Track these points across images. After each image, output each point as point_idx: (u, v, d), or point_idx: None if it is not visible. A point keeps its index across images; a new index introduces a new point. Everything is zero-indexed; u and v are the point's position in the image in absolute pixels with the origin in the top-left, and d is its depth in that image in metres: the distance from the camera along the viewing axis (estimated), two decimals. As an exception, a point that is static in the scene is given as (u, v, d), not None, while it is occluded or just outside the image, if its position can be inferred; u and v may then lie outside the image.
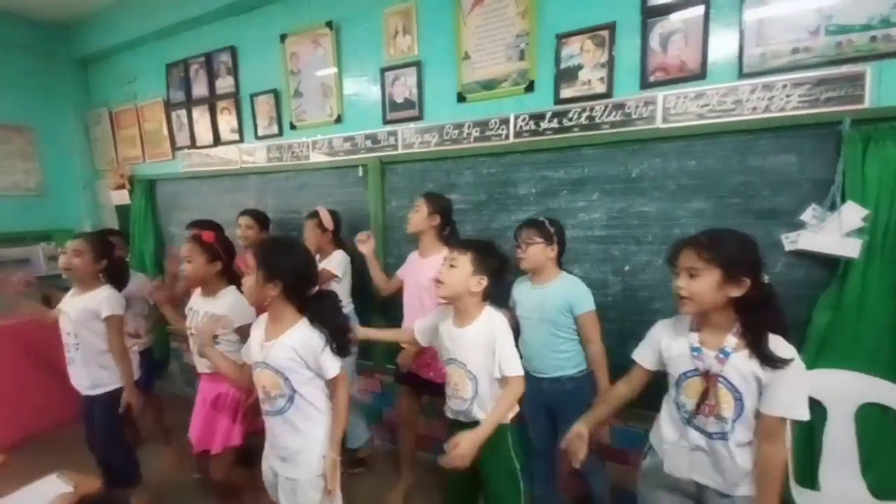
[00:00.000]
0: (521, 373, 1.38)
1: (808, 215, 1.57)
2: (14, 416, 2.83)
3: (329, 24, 2.47)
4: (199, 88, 3.06)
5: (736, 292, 1.10)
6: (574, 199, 1.99)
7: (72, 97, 3.64)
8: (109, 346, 1.94)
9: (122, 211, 3.59)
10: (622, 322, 1.89)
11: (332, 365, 1.36)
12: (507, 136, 2.09)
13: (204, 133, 3.10)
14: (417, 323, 1.61)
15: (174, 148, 3.29)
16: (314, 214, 2.33)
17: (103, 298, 1.92)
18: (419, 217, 1.98)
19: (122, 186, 3.52)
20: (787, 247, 1.61)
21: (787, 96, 1.59)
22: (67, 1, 3.14)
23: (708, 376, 1.15)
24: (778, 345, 1.10)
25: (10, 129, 3.36)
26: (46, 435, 2.87)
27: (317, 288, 1.41)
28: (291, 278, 1.33)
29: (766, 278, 1.13)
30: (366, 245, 2.19)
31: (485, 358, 1.39)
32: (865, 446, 1.51)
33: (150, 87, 3.30)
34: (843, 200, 1.50)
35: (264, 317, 1.43)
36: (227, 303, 1.73)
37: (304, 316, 1.37)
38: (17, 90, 3.37)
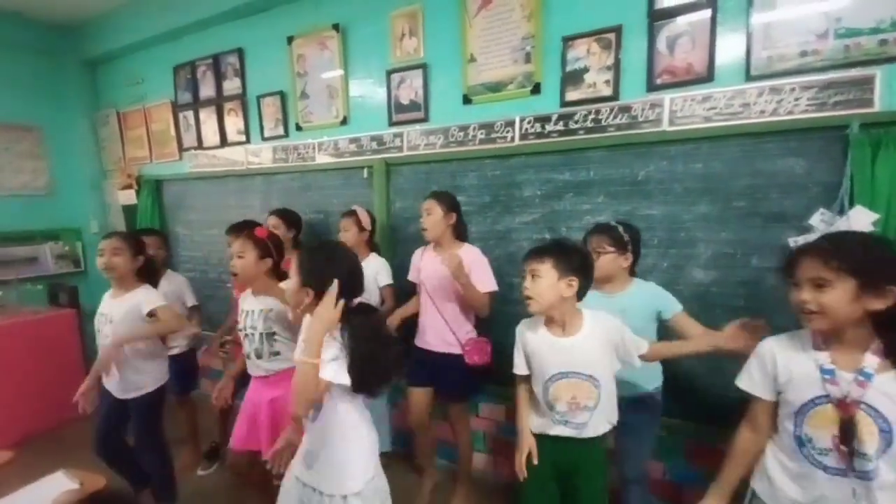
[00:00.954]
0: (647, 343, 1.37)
1: (816, 219, 1.56)
2: (19, 414, 2.85)
3: (335, 27, 2.48)
4: (207, 90, 3.08)
5: (879, 304, 0.93)
6: (579, 201, 1.98)
7: (80, 98, 3.68)
8: (148, 331, 1.89)
9: (129, 211, 3.61)
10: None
11: (327, 370, 1.15)
12: (512, 139, 2.09)
13: (211, 134, 3.12)
14: (517, 365, 1.45)
15: (181, 149, 3.31)
16: (350, 213, 2.26)
17: (143, 298, 1.90)
18: (435, 220, 1.94)
19: (129, 186, 3.55)
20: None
21: (795, 99, 1.58)
22: (76, 3, 3.17)
23: (844, 404, 0.96)
24: None
25: (18, 130, 3.40)
26: (51, 433, 2.89)
27: (357, 301, 1.28)
28: (326, 287, 1.20)
29: None
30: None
31: (607, 360, 1.34)
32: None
33: (158, 88, 3.33)
34: (852, 204, 1.49)
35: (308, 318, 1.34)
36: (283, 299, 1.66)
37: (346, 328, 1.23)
38: (25, 91, 3.41)
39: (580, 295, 1.34)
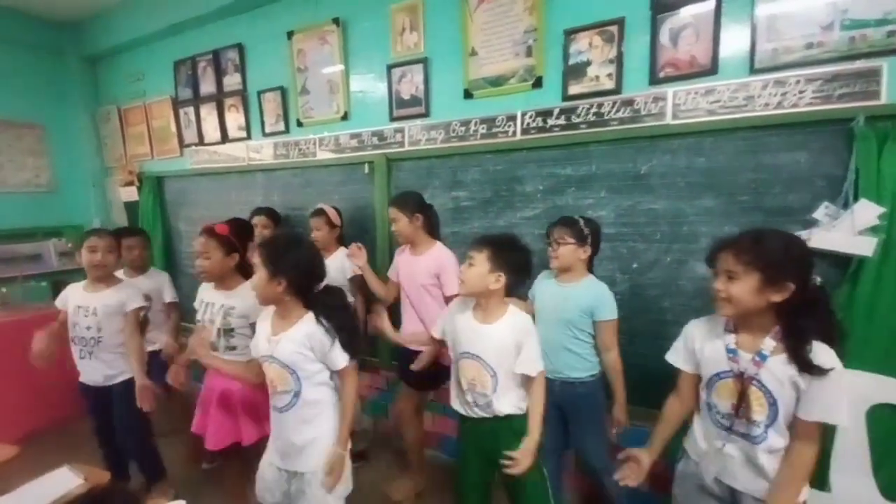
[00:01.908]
0: (543, 368, 1.41)
1: (820, 213, 1.55)
2: (24, 410, 2.87)
3: (336, 21, 2.47)
4: (207, 86, 3.07)
5: (777, 297, 1.06)
6: (581, 196, 1.97)
7: (81, 94, 3.67)
8: (127, 337, 1.97)
9: (131, 207, 3.62)
10: (630, 320, 1.87)
11: (341, 357, 1.36)
12: (514, 133, 2.08)
13: (211, 130, 3.12)
14: (438, 320, 1.59)
15: (182, 145, 3.31)
16: (320, 212, 2.33)
17: (130, 293, 1.99)
18: (402, 226, 1.96)
19: (130, 183, 3.55)
20: (799, 245, 1.58)
21: (800, 92, 1.57)
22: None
23: (742, 378, 1.12)
24: (819, 351, 1.05)
25: (20, 127, 3.40)
26: (56, 428, 2.91)
27: (324, 284, 1.41)
28: (297, 274, 1.33)
29: (817, 280, 1.08)
30: (359, 258, 2.14)
31: (507, 356, 1.39)
32: (876, 447, 1.49)
33: (159, 84, 3.32)
34: (856, 198, 1.48)
35: (270, 310, 1.44)
36: (246, 297, 1.66)
37: (311, 310, 1.37)
38: (27, 88, 3.41)
39: (509, 291, 1.41)
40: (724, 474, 1.18)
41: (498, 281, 1.37)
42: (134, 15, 3.20)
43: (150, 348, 2.39)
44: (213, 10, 2.82)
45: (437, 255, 1.98)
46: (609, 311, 1.65)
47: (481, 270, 1.36)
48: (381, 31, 2.36)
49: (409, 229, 1.97)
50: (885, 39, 1.46)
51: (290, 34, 2.64)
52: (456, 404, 1.50)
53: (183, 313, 2.61)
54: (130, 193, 3.57)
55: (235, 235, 1.76)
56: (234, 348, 1.70)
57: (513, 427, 1.41)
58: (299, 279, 1.34)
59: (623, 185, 1.89)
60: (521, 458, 1.34)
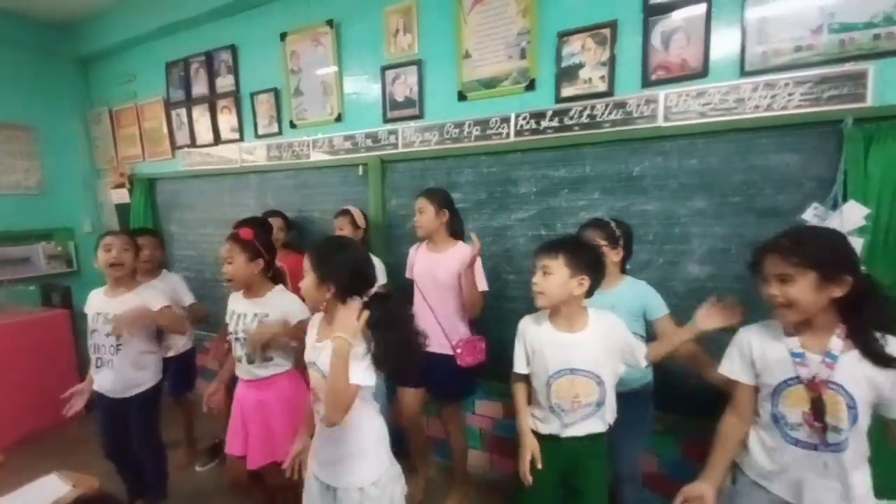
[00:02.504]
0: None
1: (809, 214, 1.56)
2: (12, 416, 2.82)
3: (329, 23, 2.47)
4: (200, 87, 3.05)
5: (838, 292, 1.01)
6: (575, 197, 1.98)
7: (72, 96, 3.64)
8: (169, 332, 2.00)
9: (122, 210, 3.58)
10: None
11: (361, 374, 1.18)
12: (507, 135, 2.08)
13: (204, 132, 3.10)
14: (518, 360, 1.44)
15: (174, 147, 3.29)
16: (344, 212, 2.27)
17: (151, 295, 1.90)
18: (427, 218, 1.93)
19: (121, 185, 3.52)
20: (789, 246, 1.60)
21: (790, 95, 1.59)
22: (68, 0, 3.13)
23: (814, 384, 1.05)
24: (891, 343, 1.01)
25: (10, 128, 3.35)
26: (45, 434, 2.86)
27: (375, 289, 1.32)
28: (346, 279, 1.25)
29: (864, 269, 1.05)
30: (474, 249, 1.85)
31: (610, 359, 1.34)
32: (873, 447, 1.50)
33: (150, 85, 3.30)
34: (845, 199, 1.50)
35: (319, 316, 1.37)
36: (280, 303, 1.66)
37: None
38: (17, 89, 3.36)
39: (589, 293, 1.34)
40: (799, 491, 1.08)
41: (581, 285, 1.30)
42: (126, 16, 3.18)
43: (168, 354, 2.35)
44: (205, 11, 2.81)
45: (462, 253, 1.91)
46: (661, 305, 1.58)
47: (561, 277, 1.29)
48: (375, 32, 2.36)
49: (433, 223, 1.93)
50: (872, 42, 1.48)
51: (283, 35, 2.63)
52: (542, 426, 1.40)
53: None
54: (121, 195, 3.54)
55: (262, 241, 1.70)
56: (271, 359, 1.66)
57: (596, 447, 1.38)
58: (348, 284, 1.26)
59: (616, 186, 1.90)
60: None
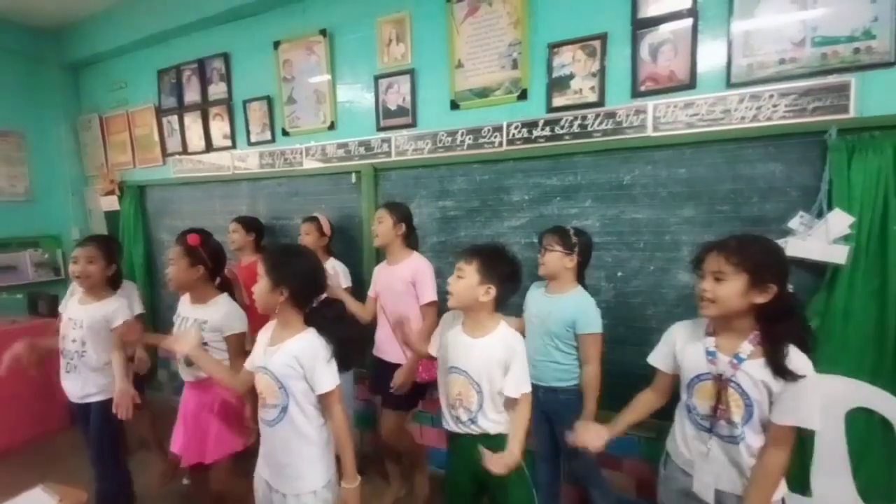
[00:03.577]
0: (530, 389, 1.37)
1: (795, 222, 1.60)
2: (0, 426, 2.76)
3: (323, 32, 2.48)
4: (192, 94, 3.05)
5: (761, 299, 1.09)
6: (567, 205, 2.00)
7: (62, 102, 3.60)
8: (112, 350, 1.85)
9: (112, 217, 3.54)
10: (615, 328, 1.90)
11: (328, 379, 1.29)
12: (500, 144, 2.10)
13: (196, 139, 3.08)
14: (434, 337, 1.56)
15: (165, 154, 3.27)
16: (312, 219, 2.33)
17: (118, 308, 1.87)
18: (385, 228, 1.97)
19: (111, 192, 3.48)
20: (776, 253, 1.63)
21: (774, 106, 1.62)
22: (59, 6, 3.11)
23: (720, 380, 1.15)
24: (795, 357, 1.08)
25: (-2, 134, 3.31)
26: (32, 445, 2.80)
27: (324, 295, 1.38)
28: (299, 284, 1.30)
29: (790, 288, 1.12)
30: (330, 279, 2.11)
31: (494, 373, 1.36)
32: (854, 450, 1.53)
33: (142, 92, 3.28)
34: (830, 208, 1.53)
35: (273, 323, 1.41)
36: (221, 311, 1.70)
37: (311, 324, 1.34)
38: (6, 95, 3.32)
39: (497, 303, 1.38)
40: (708, 475, 1.19)
41: (488, 293, 1.34)
42: (117, 23, 3.17)
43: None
44: (198, 19, 2.80)
45: (414, 263, 1.99)
46: (591, 324, 1.65)
47: (471, 282, 1.33)
48: (368, 42, 2.38)
49: (389, 233, 1.97)
50: (854, 55, 1.52)
51: (276, 44, 2.64)
52: (444, 420, 1.47)
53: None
54: (111, 203, 3.50)
55: (208, 250, 1.74)
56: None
57: (500, 446, 1.36)
58: (301, 289, 1.32)
59: (607, 195, 1.92)
60: (494, 463, 1.27)
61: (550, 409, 1.73)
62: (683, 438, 1.26)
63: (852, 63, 1.52)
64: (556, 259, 1.67)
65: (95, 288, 1.88)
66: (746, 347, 1.13)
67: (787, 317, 1.11)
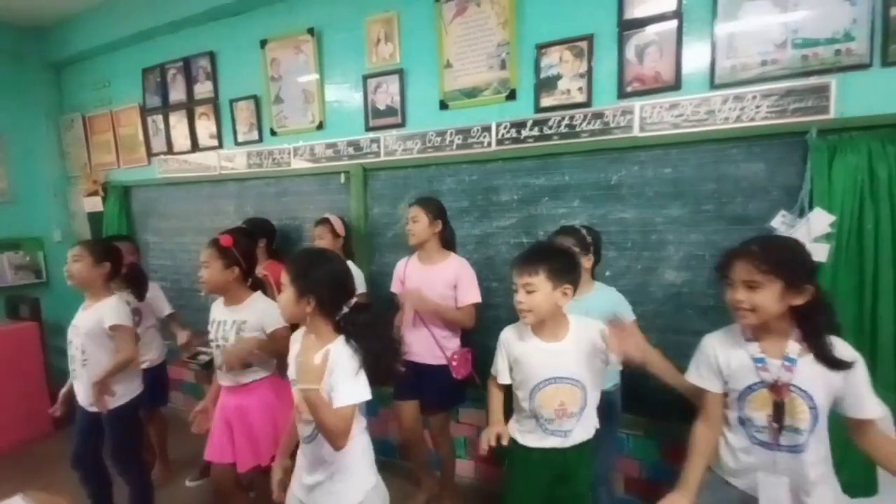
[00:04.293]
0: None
1: (777, 221, 1.63)
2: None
3: (311, 31, 2.46)
4: (177, 93, 3.00)
5: (799, 300, 1.06)
6: (555, 205, 2.01)
7: (44, 101, 3.53)
8: (113, 352, 1.81)
9: (95, 218, 3.47)
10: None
11: (349, 392, 1.14)
12: (489, 144, 2.11)
13: (181, 139, 3.04)
14: (500, 372, 1.44)
15: (150, 154, 3.22)
16: (324, 221, 2.27)
17: (108, 308, 1.81)
18: (421, 227, 1.89)
19: (94, 193, 3.42)
20: (760, 252, 1.66)
21: (757, 107, 1.65)
22: (41, 4, 3.05)
23: (776, 387, 1.08)
24: (839, 346, 1.06)
25: (-25, 134, 3.23)
26: (12, 452, 2.73)
27: (354, 301, 1.27)
28: (327, 292, 1.21)
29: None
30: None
31: (592, 364, 1.33)
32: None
33: (126, 91, 3.23)
34: (811, 207, 1.56)
35: (301, 332, 1.32)
36: (259, 309, 1.66)
37: (341, 332, 1.23)
38: (-16, 94, 3.26)
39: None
40: (775, 489, 1.11)
41: (566, 295, 1.29)
42: (101, 21, 3.11)
43: (143, 365, 2.24)
44: (183, 17, 2.77)
45: (456, 265, 1.93)
46: (630, 310, 1.63)
47: (545, 292, 1.27)
48: (357, 41, 2.37)
49: (426, 232, 1.90)
50: (834, 57, 1.55)
51: (263, 43, 2.61)
52: (528, 438, 1.39)
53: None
54: (94, 204, 3.43)
55: (241, 250, 1.69)
56: (249, 365, 1.65)
57: (584, 454, 1.37)
58: (330, 297, 1.22)
59: (595, 194, 1.94)
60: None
61: None
62: (731, 451, 1.17)
63: (832, 64, 1.55)
64: None
65: (88, 289, 1.85)
66: (794, 347, 1.08)
67: (821, 310, 1.08)
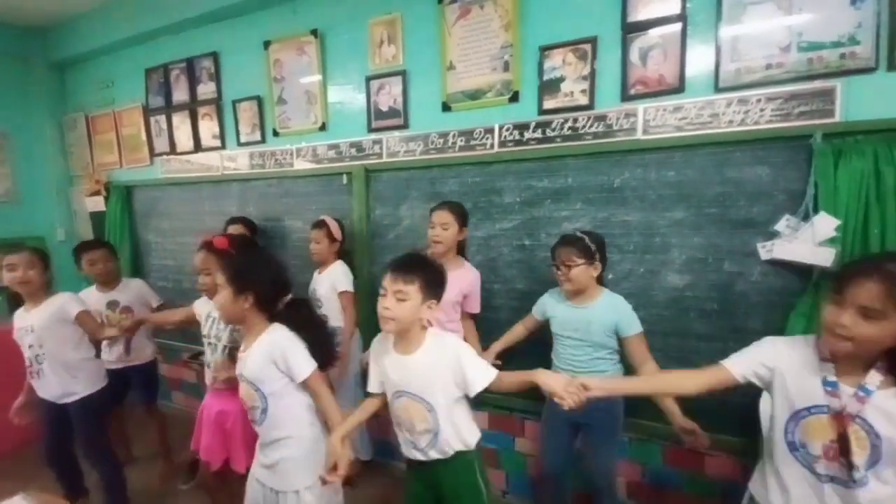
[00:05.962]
0: (496, 373, 1.27)
1: (782, 225, 1.62)
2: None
3: (314, 32, 2.46)
4: (180, 94, 3.01)
5: None
6: (558, 208, 2.01)
7: (47, 101, 3.54)
8: (91, 335, 1.96)
9: (98, 218, 3.48)
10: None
11: (305, 364, 1.30)
12: (491, 146, 2.10)
13: (184, 139, 3.05)
14: (371, 375, 1.42)
15: (153, 154, 3.22)
16: (321, 224, 2.29)
17: (66, 300, 1.92)
18: (451, 235, 1.87)
19: (97, 193, 3.42)
20: (763, 256, 1.65)
21: (761, 110, 1.64)
22: (45, 4, 3.06)
23: (841, 416, 0.98)
24: None
25: (-21, 134, 3.24)
26: (12, 454, 2.73)
27: (290, 297, 1.38)
28: (263, 289, 1.30)
29: None
30: None
31: (442, 383, 1.27)
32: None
33: (129, 91, 3.24)
34: (816, 211, 1.55)
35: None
36: None
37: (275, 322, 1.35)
38: (-12, 94, 3.27)
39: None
40: None
41: (430, 309, 1.27)
42: (104, 22, 3.12)
43: (135, 363, 2.39)
44: (187, 18, 2.77)
45: (473, 275, 1.97)
46: (635, 324, 1.60)
47: (415, 303, 1.24)
48: (360, 43, 2.37)
49: (453, 239, 1.90)
50: (839, 61, 1.54)
51: (266, 44, 2.62)
52: (403, 449, 1.38)
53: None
54: (97, 203, 3.44)
55: (237, 248, 1.68)
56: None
57: (461, 465, 1.32)
58: (266, 293, 1.32)
59: (598, 197, 1.93)
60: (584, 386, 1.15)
61: (585, 418, 1.57)
62: (780, 483, 1.07)
63: (837, 68, 1.54)
64: (582, 272, 1.57)
65: (38, 293, 1.91)
66: (874, 378, 0.96)
67: None
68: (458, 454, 1.31)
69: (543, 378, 1.19)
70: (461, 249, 2.01)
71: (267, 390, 1.31)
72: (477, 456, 1.37)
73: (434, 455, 1.31)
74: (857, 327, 0.92)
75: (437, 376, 1.27)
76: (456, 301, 1.92)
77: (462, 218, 1.92)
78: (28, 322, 1.91)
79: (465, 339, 1.93)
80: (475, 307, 1.99)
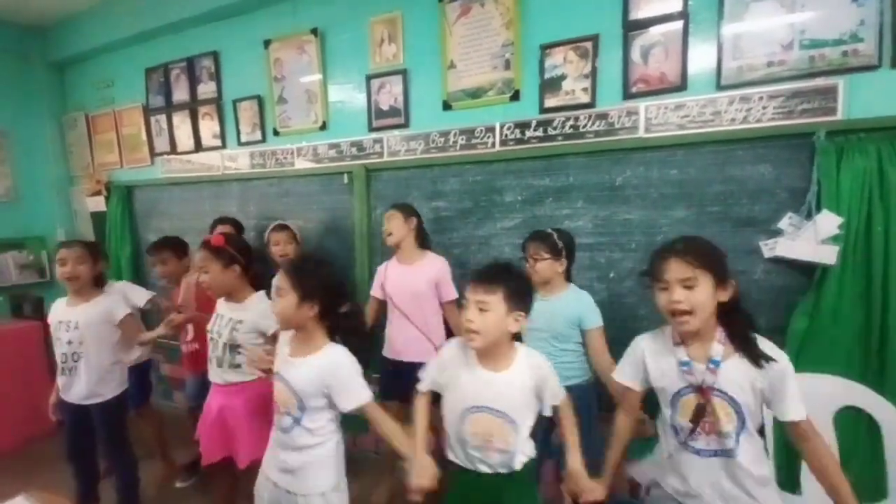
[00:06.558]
0: (560, 404, 1.27)
1: (785, 223, 1.61)
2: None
3: (314, 31, 2.46)
4: (180, 93, 3.00)
5: (724, 297, 1.04)
6: (559, 206, 2.00)
7: (47, 101, 3.54)
8: (129, 342, 2.00)
9: (98, 218, 3.48)
10: (607, 328, 1.89)
11: (361, 391, 1.25)
12: (492, 144, 2.10)
13: (185, 138, 3.04)
14: (426, 382, 1.35)
15: (153, 153, 3.22)
16: (283, 227, 2.32)
17: (113, 300, 1.94)
18: (397, 224, 1.97)
19: (97, 192, 3.42)
20: (766, 254, 1.64)
21: (764, 108, 1.64)
22: (45, 3, 3.05)
23: (702, 390, 1.07)
24: (763, 343, 1.06)
25: (-21, 133, 3.24)
26: (16, 451, 2.73)
27: (346, 307, 1.34)
28: (328, 297, 1.26)
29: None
30: None
31: (528, 403, 1.23)
32: (843, 449, 1.54)
33: (129, 91, 3.23)
34: (819, 209, 1.55)
35: (290, 334, 1.36)
36: (255, 311, 1.64)
37: (334, 336, 1.31)
38: (-12, 93, 3.26)
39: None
40: (705, 488, 1.10)
41: (517, 322, 1.19)
42: (104, 21, 3.11)
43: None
44: (187, 17, 2.77)
45: (435, 263, 2.02)
46: (595, 318, 1.68)
47: (499, 314, 1.16)
48: (360, 42, 2.36)
49: (402, 230, 1.98)
50: (842, 58, 1.54)
51: (266, 43, 2.61)
52: (455, 458, 1.29)
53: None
54: (97, 203, 3.44)
55: (235, 246, 1.68)
56: (238, 366, 1.63)
57: (517, 480, 1.25)
58: (330, 302, 1.27)
59: (599, 195, 1.93)
60: (583, 483, 1.19)
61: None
62: (673, 463, 1.15)
63: (840, 66, 1.54)
64: (548, 266, 1.67)
65: (84, 289, 1.89)
66: (717, 349, 1.06)
67: (739, 308, 1.07)
68: (523, 465, 1.27)
69: (577, 469, 1.23)
70: (422, 243, 2.05)
71: (309, 405, 1.27)
72: (534, 466, 1.33)
73: (501, 470, 1.24)
74: (688, 299, 1.03)
75: (530, 396, 1.23)
76: (430, 292, 1.98)
77: (406, 211, 2.00)
78: (71, 317, 1.86)
79: (451, 324, 2.02)
80: (450, 293, 2.00)
